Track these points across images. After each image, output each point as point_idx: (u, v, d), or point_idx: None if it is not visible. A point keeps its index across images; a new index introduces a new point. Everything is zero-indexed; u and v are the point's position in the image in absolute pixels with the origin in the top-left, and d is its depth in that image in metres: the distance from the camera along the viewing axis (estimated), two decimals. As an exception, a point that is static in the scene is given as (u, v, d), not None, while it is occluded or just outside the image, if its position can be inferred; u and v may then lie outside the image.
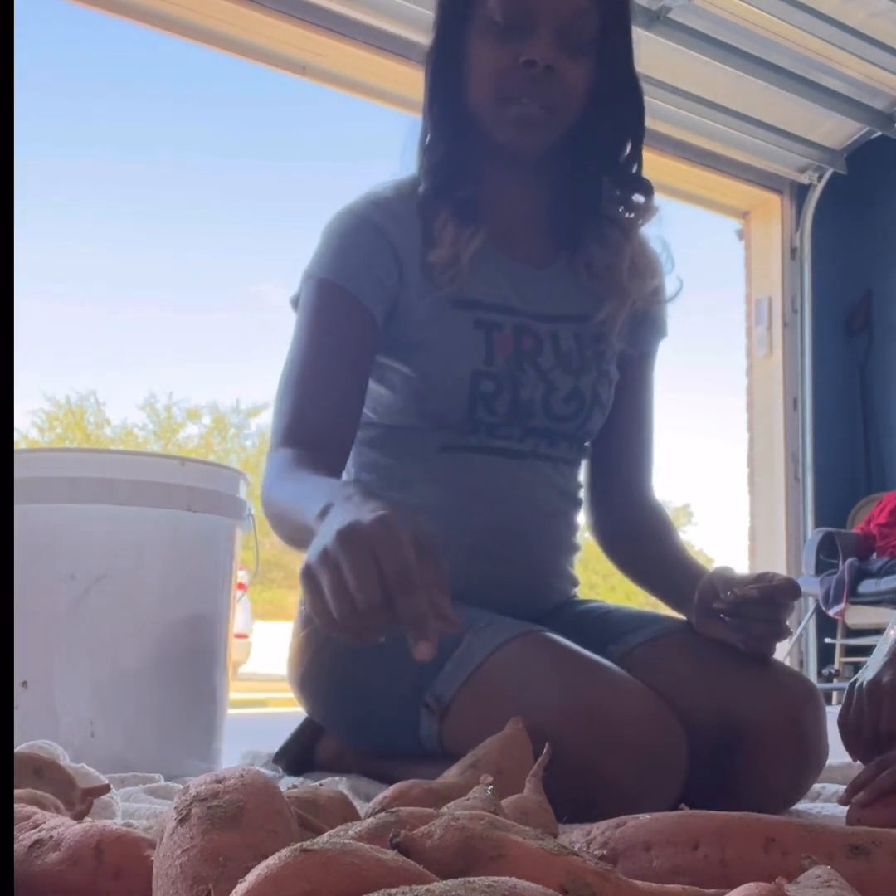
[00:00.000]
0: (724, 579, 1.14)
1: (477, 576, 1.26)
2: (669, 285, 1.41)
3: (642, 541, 1.37)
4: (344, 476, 1.32)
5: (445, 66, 1.25)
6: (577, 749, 1.01)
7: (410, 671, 1.17)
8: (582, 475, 1.41)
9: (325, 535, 0.84)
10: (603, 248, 1.32)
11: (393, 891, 0.41)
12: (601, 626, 1.28)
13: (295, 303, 1.29)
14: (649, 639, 1.22)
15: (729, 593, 1.12)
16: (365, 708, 1.27)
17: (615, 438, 1.40)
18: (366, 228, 1.25)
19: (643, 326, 1.40)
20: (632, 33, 1.28)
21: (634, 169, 1.33)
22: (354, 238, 1.25)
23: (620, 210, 1.34)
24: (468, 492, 1.28)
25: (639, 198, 1.35)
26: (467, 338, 1.26)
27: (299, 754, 1.46)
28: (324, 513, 0.91)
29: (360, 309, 1.23)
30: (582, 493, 1.41)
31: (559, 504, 1.35)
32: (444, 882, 0.42)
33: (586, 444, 1.39)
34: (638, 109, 1.31)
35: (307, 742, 1.45)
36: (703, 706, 1.11)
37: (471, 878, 0.42)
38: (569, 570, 1.39)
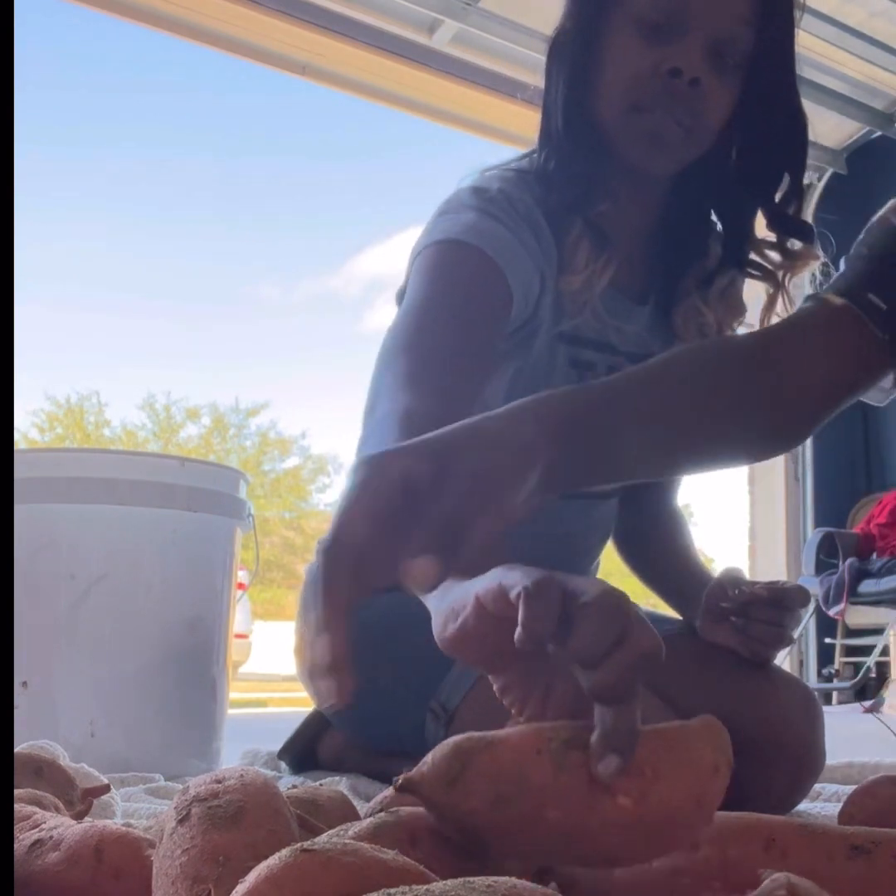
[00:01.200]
0: (734, 579, 1.14)
1: None
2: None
3: (655, 542, 1.37)
4: None
5: (577, 58, 1.09)
6: None
7: (415, 674, 1.18)
8: None
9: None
10: (704, 302, 1.19)
11: (392, 890, 0.41)
12: None
13: (400, 295, 1.10)
14: None
15: (737, 591, 1.12)
16: (370, 706, 1.27)
17: None
18: (516, 216, 1.07)
19: None
20: (795, 56, 1.11)
21: (791, 210, 1.15)
22: (503, 219, 1.06)
23: (768, 255, 1.18)
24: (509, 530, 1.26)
25: (794, 243, 1.16)
26: (559, 377, 1.15)
27: (303, 750, 1.46)
28: None
29: (501, 280, 1.01)
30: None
31: (597, 542, 1.35)
32: (444, 882, 0.42)
33: None
34: (795, 142, 1.13)
35: (311, 738, 1.46)
36: (699, 709, 1.11)
37: (470, 879, 0.42)
38: None
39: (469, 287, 1.00)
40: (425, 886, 0.41)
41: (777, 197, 1.14)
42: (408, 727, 1.19)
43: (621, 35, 1.05)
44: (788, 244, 1.16)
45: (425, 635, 1.29)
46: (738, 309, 1.21)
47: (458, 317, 0.97)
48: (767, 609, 1.10)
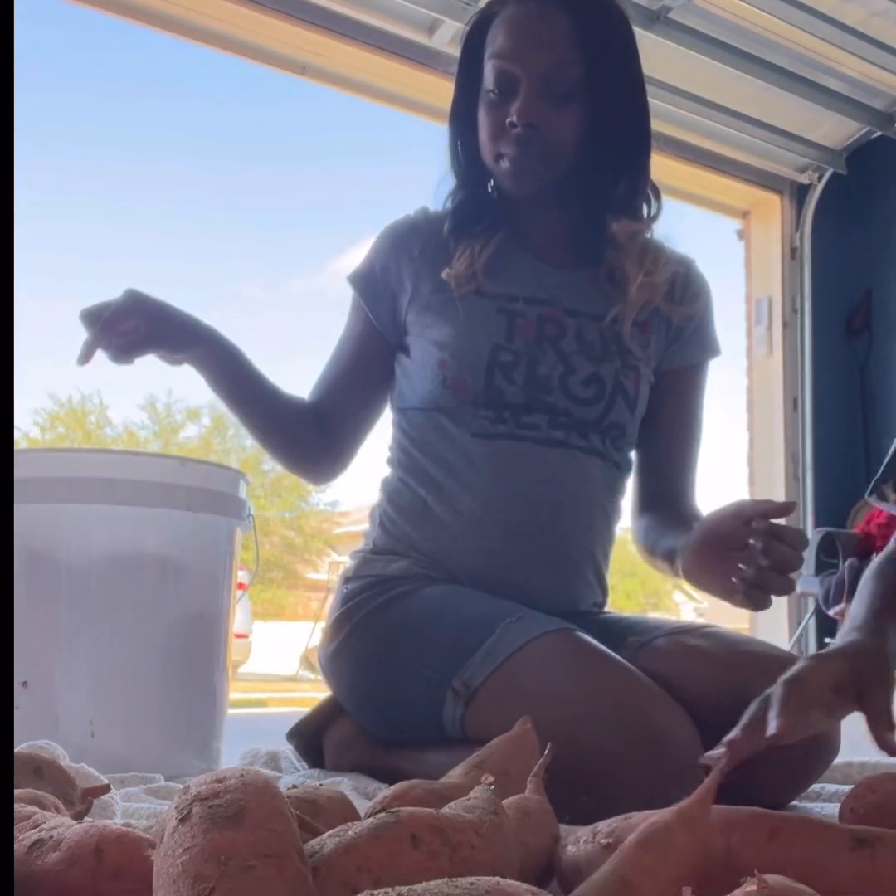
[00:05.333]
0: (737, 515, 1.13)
1: (511, 554, 1.33)
2: (695, 299, 1.48)
3: (667, 524, 1.39)
4: (388, 454, 1.49)
5: (462, 131, 1.44)
6: (598, 748, 1.04)
7: (441, 656, 1.23)
8: (628, 488, 1.46)
9: None
10: (611, 263, 1.41)
11: (377, 892, 0.41)
12: (620, 627, 1.33)
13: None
14: (666, 633, 1.26)
15: (755, 524, 1.09)
16: (390, 688, 1.30)
17: (659, 450, 1.46)
18: (389, 243, 1.47)
19: (681, 340, 1.46)
20: (633, 62, 1.38)
21: (636, 190, 1.41)
22: (376, 252, 1.47)
23: (618, 231, 1.42)
24: (501, 473, 1.35)
25: (625, 220, 1.42)
26: (489, 319, 1.37)
27: (312, 735, 1.48)
28: None
29: (369, 324, 1.47)
30: (622, 502, 1.45)
31: (593, 497, 1.39)
32: (427, 882, 0.42)
33: (623, 446, 1.42)
34: (638, 140, 1.40)
35: (321, 724, 1.47)
36: (718, 686, 1.15)
37: (453, 878, 0.43)
38: (600, 569, 1.43)
39: (353, 342, 1.50)
40: (408, 886, 0.41)
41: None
42: (426, 709, 1.22)
43: (482, 108, 1.38)
44: (636, 216, 1.43)
45: (454, 622, 1.36)
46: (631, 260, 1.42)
47: (340, 353, 1.50)
48: (789, 533, 1.10)
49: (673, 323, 1.44)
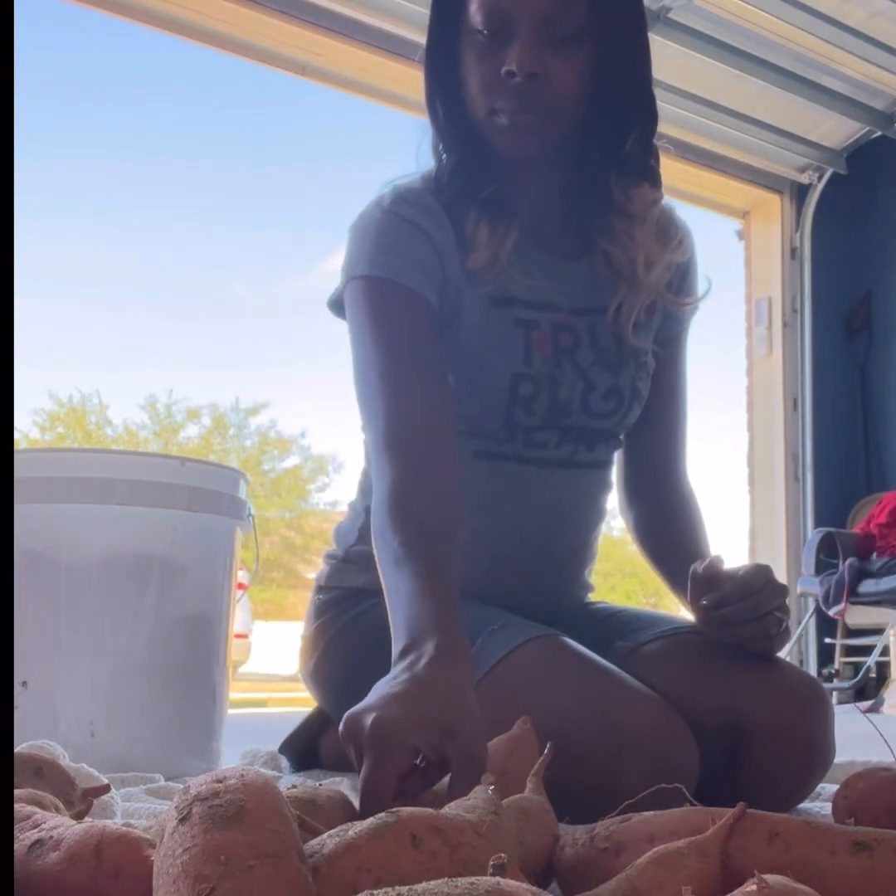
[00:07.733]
0: (700, 585, 1.13)
1: (497, 584, 1.27)
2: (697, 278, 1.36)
3: (667, 533, 1.35)
4: (365, 463, 1.34)
5: (440, 74, 1.23)
6: (587, 756, 1.01)
7: None
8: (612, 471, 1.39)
9: (372, 707, 0.81)
10: (613, 242, 1.27)
11: (377, 892, 0.41)
12: (609, 625, 1.28)
13: (333, 304, 1.28)
14: (657, 636, 1.21)
15: (704, 602, 1.10)
16: None
17: (647, 420, 1.35)
18: (400, 222, 1.20)
19: (673, 310, 1.35)
20: (639, 8, 1.22)
21: (642, 158, 1.26)
22: (394, 232, 1.20)
23: (629, 200, 1.27)
24: (497, 500, 1.27)
25: (646, 187, 1.27)
26: (506, 338, 1.23)
27: (304, 745, 1.46)
28: (402, 654, 0.91)
29: (419, 299, 1.19)
30: (608, 499, 1.38)
31: (587, 515, 1.33)
32: (427, 882, 0.43)
33: (620, 443, 1.36)
34: (643, 95, 1.24)
35: (313, 734, 1.46)
36: (709, 704, 1.11)
37: (453, 878, 0.43)
38: (586, 578, 1.39)
39: (403, 328, 1.17)
40: (408, 886, 0.41)
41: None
42: None
43: (467, 50, 1.18)
44: (640, 190, 1.26)
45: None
46: (635, 242, 1.27)
47: (405, 353, 1.16)
48: (740, 608, 1.09)
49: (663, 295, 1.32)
